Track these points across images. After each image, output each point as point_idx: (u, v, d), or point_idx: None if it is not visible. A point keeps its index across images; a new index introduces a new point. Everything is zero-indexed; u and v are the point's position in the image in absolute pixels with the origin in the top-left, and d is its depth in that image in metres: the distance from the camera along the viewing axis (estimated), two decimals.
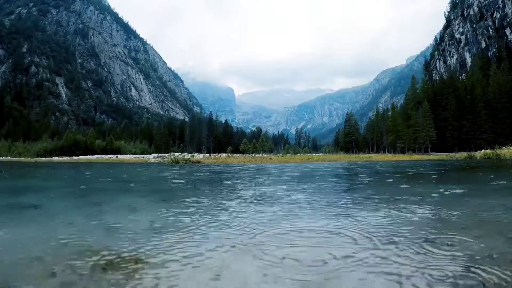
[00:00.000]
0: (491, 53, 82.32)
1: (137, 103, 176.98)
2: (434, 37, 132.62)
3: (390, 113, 66.03)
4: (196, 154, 44.86)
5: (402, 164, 16.59)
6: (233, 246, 1.92)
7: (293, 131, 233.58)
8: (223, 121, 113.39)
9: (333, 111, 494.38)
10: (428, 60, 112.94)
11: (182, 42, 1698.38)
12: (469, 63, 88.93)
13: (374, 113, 78.44)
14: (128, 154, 52.08)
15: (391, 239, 2.00)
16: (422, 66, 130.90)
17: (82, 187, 6.69)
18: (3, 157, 47.55)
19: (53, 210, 3.58)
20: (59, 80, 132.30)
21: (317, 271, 1.47)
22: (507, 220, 2.63)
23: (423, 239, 1.98)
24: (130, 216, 3.06)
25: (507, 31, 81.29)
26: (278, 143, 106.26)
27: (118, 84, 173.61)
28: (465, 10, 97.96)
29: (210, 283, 1.37)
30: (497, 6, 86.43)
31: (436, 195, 4.09)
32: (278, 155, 49.72)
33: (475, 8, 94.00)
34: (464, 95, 54.73)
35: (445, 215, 2.78)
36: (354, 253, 1.73)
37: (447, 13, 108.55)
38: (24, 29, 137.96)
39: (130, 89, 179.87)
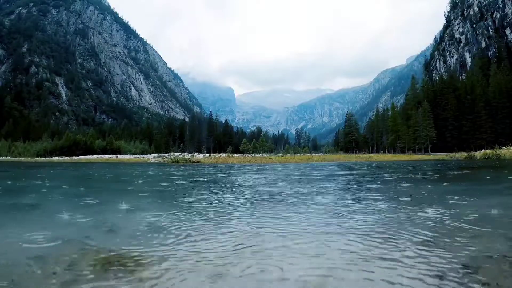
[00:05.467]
0: (491, 53, 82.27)
1: (137, 103, 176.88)
2: (434, 37, 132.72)
3: (390, 113, 65.98)
4: (196, 154, 44.83)
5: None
6: (234, 246, 1.92)
7: (293, 131, 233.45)
8: (223, 121, 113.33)
9: (333, 111, 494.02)
10: (428, 60, 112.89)
11: (182, 42, 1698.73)
12: (469, 63, 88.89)
13: (374, 113, 78.40)
14: (128, 154, 52.02)
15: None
16: (422, 66, 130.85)
17: (82, 187, 6.69)
18: (3, 157, 47.51)
19: (53, 210, 3.58)
20: (59, 80, 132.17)
21: None
22: None
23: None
24: (130, 216, 3.06)
25: (507, 31, 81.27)
26: (278, 143, 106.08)
27: (118, 84, 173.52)
28: (465, 10, 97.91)
29: (211, 283, 1.37)
30: (497, 6, 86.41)
31: None
32: (278, 155, 49.64)
33: (475, 8, 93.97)
34: (464, 95, 54.70)
35: None
36: None
37: (447, 13, 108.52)
38: (24, 29, 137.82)
39: (130, 89, 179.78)
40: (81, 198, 4.81)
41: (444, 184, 6.18)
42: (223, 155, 40.03)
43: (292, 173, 10.35)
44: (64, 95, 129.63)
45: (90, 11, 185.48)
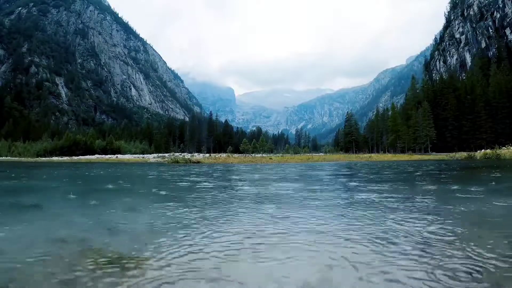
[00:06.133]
0: (491, 53, 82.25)
1: (137, 103, 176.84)
2: (434, 37, 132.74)
3: (390, 113, 65.99)
4: (196, 154, 44.83)
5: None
6: (234, 245, 1.92)
7: (293, 131, 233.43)
8: (223, 121, 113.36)
9: (333, 111, 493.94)
10: (428, 60, 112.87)
11: (182, 42, 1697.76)
12: (469, 63, 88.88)
13: (374, 113, 78.43)
14: (128, 154, 51.99)
15: None
16: (422, 66, 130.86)
17: (82, 187, 6.69)
18: (3, 157, 47.50)
19: (53, 210, 3.59)
20: (59, 80, 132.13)
21: None
22: None
23: None
24: (130, 216, 3.06)
25: (507, 31, 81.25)
26: (278, 143, 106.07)
27: (118, 84, 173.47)
28: (465, 10, 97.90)
29: (210, 282, 1.37)
30: (497, 6, 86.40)
31: None
32: (278, 155, 49.63)
33: (475, 8, 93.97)
34: (464, 95, 54.70)
35: None
36: None
37: (447, 13, 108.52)
38: (24, 29, 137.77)
39: (130, 89, 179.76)
40: (81, 198, 4.81)
41: (444, 184, 6.19)
42: (223, 155, 40.02)
43: (291, 173, 10.35)
44: (64, 95, 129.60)
45: (90, 11, 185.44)
